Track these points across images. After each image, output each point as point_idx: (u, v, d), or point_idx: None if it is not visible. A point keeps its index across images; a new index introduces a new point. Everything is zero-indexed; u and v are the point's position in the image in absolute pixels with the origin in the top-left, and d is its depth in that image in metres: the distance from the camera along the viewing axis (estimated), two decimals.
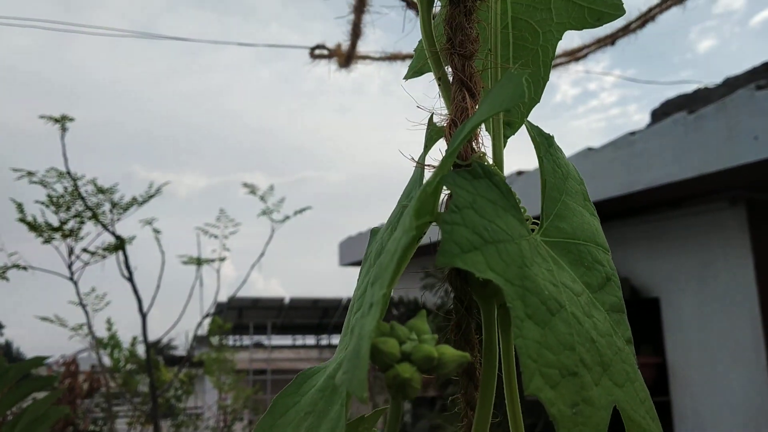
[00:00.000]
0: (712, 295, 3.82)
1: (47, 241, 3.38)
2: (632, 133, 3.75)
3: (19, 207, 3.37)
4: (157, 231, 3.77)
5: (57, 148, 3.39)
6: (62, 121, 3.61)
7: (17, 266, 3.20)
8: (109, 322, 5.03)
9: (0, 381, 1.69)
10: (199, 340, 6.17)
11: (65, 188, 3.35)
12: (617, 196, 3.71)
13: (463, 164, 0.42)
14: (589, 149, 4.04)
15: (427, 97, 0.48)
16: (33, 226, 3.39)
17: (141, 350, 5.08)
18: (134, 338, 5.07)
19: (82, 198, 3.40)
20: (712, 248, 3.83)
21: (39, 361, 1.71)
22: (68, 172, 3.33)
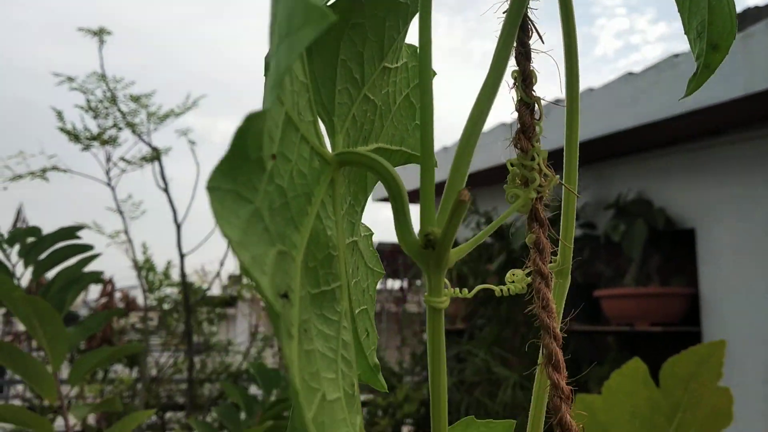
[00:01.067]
0: (749, 226, 3.75)
1: (86, 147, 3.45)
2: (676, 56, 3.63)
3: (59, 115, 3.44)
4: (192, 142, 3.82)
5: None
6: (100, 34, 3.64)
7: (56, 168, 3.28)
8: (144, 246, 5.14)
9: (36, 247, 1.75)
10: (234, 280, 6.26)
11: (104, 92, 3.40)
12: (658, 120, 3.62)
13: None
14: (630, 74, 3.94)
15: None
16: (72, 134, 3.46)
17: (175, 274, 5.17)
18: (168, 262, 5.19)
19: (119, 108, 3.45)
20: (752, 178, 3.74)
21: (74, 229, 1.76)
22: (104, 76, 3.38)
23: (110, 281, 6.18)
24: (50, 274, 1.78)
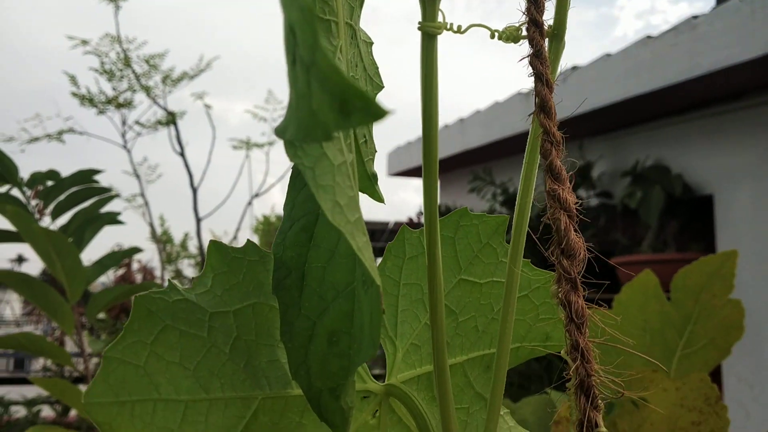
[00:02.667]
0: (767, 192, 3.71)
1: (101, 111, 3.48)
2: (695, 17, 3.58)
3: (72, 79, 3.47)
4: (208, 106, 3.84)
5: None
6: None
7: (73, 130, 3.32)
8: (162, 218, 5.18)
9: (55, 189, 1.77)
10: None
11: (117, 54, 3.43)
12: (677, 83, 3.59)
13: None
14: (648, 37, 3.89)
15: None
16: (86, 98, 3.49)
17: (192, 246, 5.22)
18: (185, 235, 5.24)
19: (133, 70, 3.47)
20: None
21: (92, 172, 1.78)
22: (119, 37, 3.40)
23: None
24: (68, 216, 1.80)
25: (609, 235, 4.55)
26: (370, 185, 0.41)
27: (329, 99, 0.19)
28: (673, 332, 0.99)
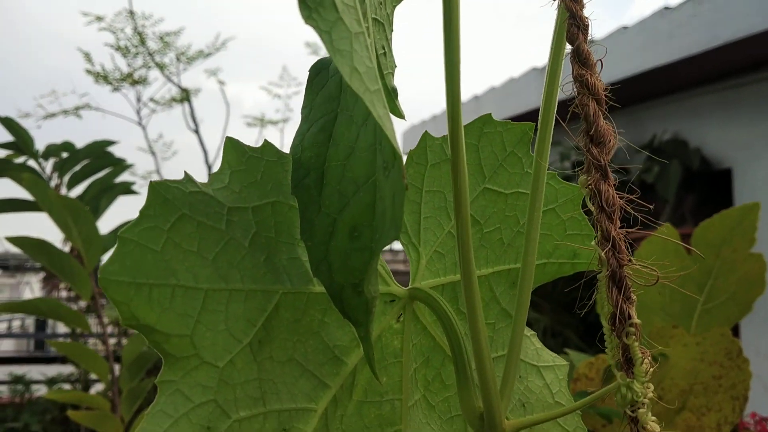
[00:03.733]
0: None
1: (116, 88, 3.49)
2: None
3: (87, 56, 3.47)
4: (221, 82, 3.84)
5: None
6: None
7: (89, 106, 3.33)
8: None
9: (70, 160, 1.77)
10: None
11: (132, 29, 3.42)
12: (695, 54, 3.53)
13: None
14: (666, 8, 3.83)
15: None
16: (101, 75, 3.49)
17: None
18: None
19: (147, 48, 3.47)
20: None
21: (105, 144, 1.78)
22: (133, 14, 3.39)
23: None
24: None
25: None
26: (390, 99, 0.40)
27: None
28: (693, 287, 0.98)
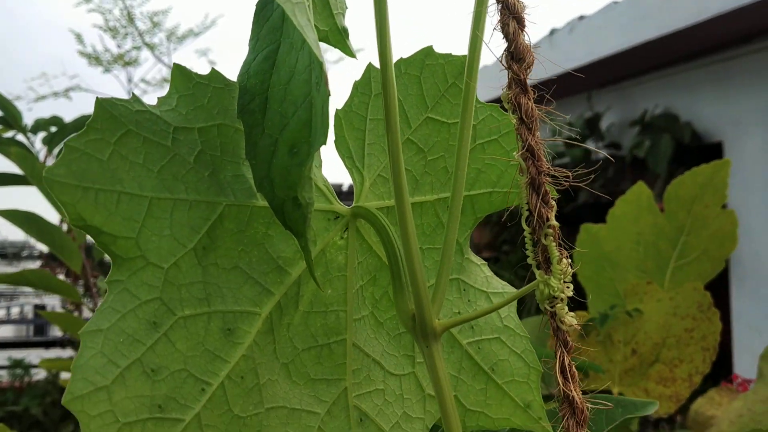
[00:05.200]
0: None
1: (107, 70, 3.50)
2: None
3: (78, 37, 3.48)
4: (212, 62, 3.84)
5: None
6: None
7: (80, 87, 3.34)
8: None
9: (59, 134, 1.78)
10: None
11: (120, 11, 3.43)
12: (684, 27, 3.54)
13: None
14: None
15: None
16: (93, 57, 3.50)
17: None
18: None
19: (137, 28, 3.47)
20: None
21: None
22: None
23: None
24: None
25: (618, 186, 4.53)
26: (341, 39, 0.41)
27: None
28: (666, 244, 1.00)
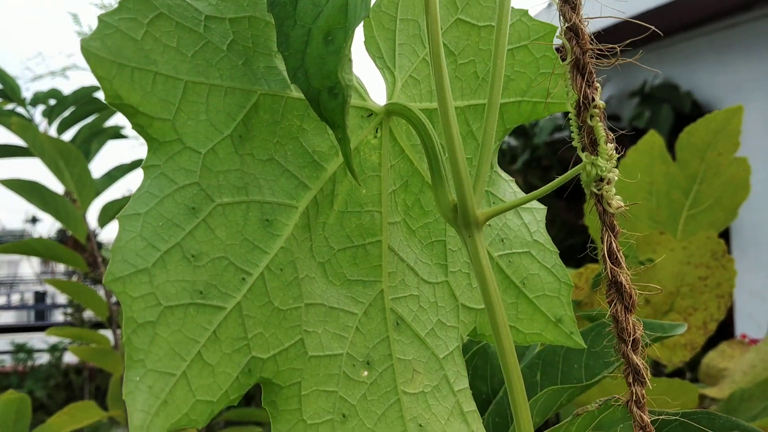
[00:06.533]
0: None
1: None
2: None
3: (75, 18, 3.43)
4: None
5: None
6: None
7: (76, 66, 3.30)
8: None
9: (59, 106, 1.76)
10: None
11: None
12: None
13: None
14: None
15: None
16: None
17: None
18: None
19: None
20: None
21: (93, 89, 1.77)
22: None
23: None
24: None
25: (618, 158, 4.52)
26: None
27: None
28: (678, 193, 1.00)
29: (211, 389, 0.27)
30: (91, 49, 0.25)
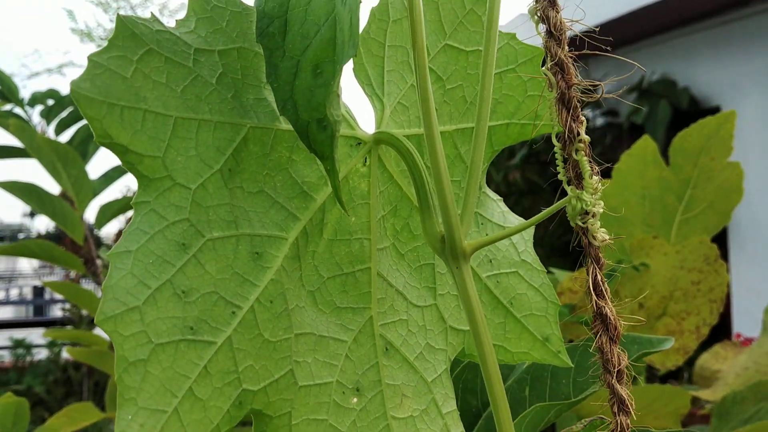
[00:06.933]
0: None
1: (100, 46, 3.44)
2: None
3: (71, 14, 3.44)
4: None
5: None
6: None
7: (73, 64, 3.31)
8: None
9: (56, 107, 1.76)
10: None
11: None
12: None
13: None
14: None
15: None
16: (85, 34, 3.46)
17: None
18: None
19: (129, 3, 3.43)
20: None
21: None
22: None
23: None
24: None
25: (615, 153, 4.54)
26: None
27: None
28: (672, 197, 1.00)
29: (203, 424, 0.27)
30: (81, 90, 0.26)
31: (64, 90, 1.87)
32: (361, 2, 0.29)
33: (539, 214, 0.31)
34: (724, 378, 1.09)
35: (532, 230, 0.44)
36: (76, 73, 3.23)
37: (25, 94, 1.79)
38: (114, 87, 0.27)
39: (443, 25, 0.38)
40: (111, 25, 3.46)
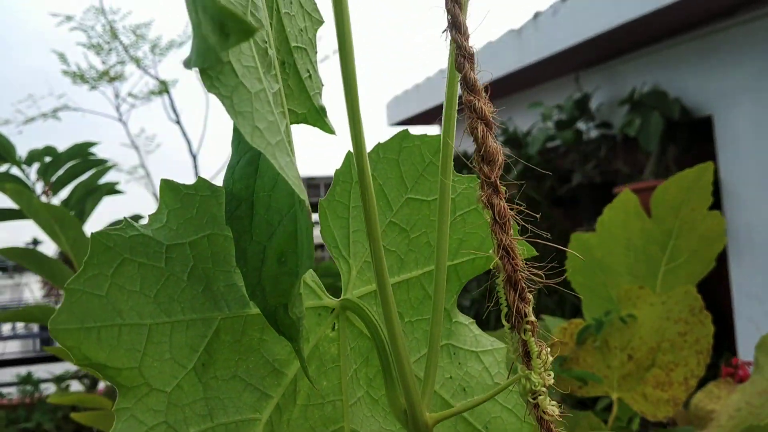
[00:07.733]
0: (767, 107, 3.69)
1: (93, 87, 3.49)
2: None
3: (62, 57, 3.47)
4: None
5: None
6: None
7: (67, 107, 3.34)
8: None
9: (53, 164, 1.79)
10: None
11: (103, 26, 3.43)
12: (670, 4, 3.54)
13: None
14: None
15: None
16: (77, 75, 3.50)
17: None
18: None
19: (121, 42, 3.46)
20: None
21: (87, 145, 1.80)
22: (103, 9, 3.39)
23: None
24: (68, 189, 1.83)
25: (611, 165, 4.56)
26: (319, 118, 0.43)
27: (211, 24, 0.21)
28: (656, 248, 1.02)
29: None
30: (58, 326, 0.28)
31: (58, 136, 1.89)
32: (312, 226, 0.31)
33: (494, 390, 0.33)
34: (718, 419, 1.11)
35: (504, 351, 0.46)
36: (71, 116, 3.27)
37: (21, 139, 1.81)
38: (90, 309, 0.29)
39: (405, 181, 0.40)
40: (103, 66, 3.51)
